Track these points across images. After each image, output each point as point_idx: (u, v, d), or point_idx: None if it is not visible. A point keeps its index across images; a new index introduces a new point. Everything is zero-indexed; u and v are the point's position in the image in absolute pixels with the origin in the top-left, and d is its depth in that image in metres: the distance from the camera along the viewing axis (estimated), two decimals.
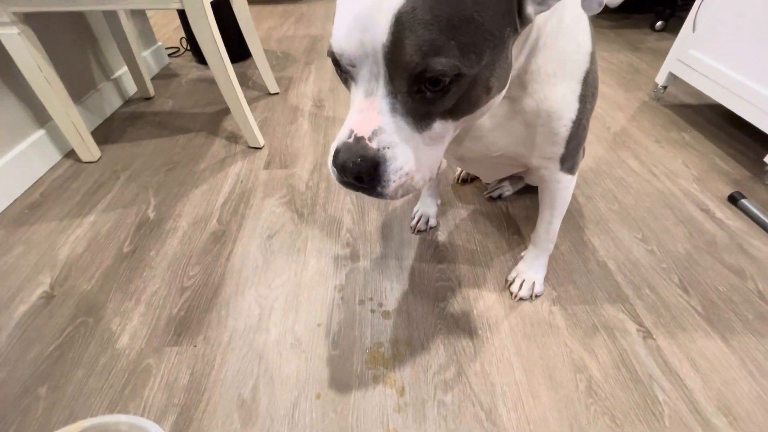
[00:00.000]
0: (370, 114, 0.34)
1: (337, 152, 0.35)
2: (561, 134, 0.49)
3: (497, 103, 0.40)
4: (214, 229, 0.86)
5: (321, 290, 0.73)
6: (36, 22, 0.89)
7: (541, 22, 0.40)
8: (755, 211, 0.87)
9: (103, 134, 1.18)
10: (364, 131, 0.34)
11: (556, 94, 0.46)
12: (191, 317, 0.68)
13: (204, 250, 0.81)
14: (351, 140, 0.34)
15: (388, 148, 0.34)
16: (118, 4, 0.84)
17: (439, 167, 0.41)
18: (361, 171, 0.34)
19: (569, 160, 0.55)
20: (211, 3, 0.92)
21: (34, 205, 0.93)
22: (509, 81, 0.40)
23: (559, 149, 0.52)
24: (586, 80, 0.47)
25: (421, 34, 0.29)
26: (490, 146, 0.52)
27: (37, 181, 1.00)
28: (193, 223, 0.87)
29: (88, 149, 1.05)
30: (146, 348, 0.64)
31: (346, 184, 0.37)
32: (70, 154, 1.09)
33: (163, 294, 0.72)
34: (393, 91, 0.33)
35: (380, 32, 0.30)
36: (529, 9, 0.34)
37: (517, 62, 0.41)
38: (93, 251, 0.81)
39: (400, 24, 0.29)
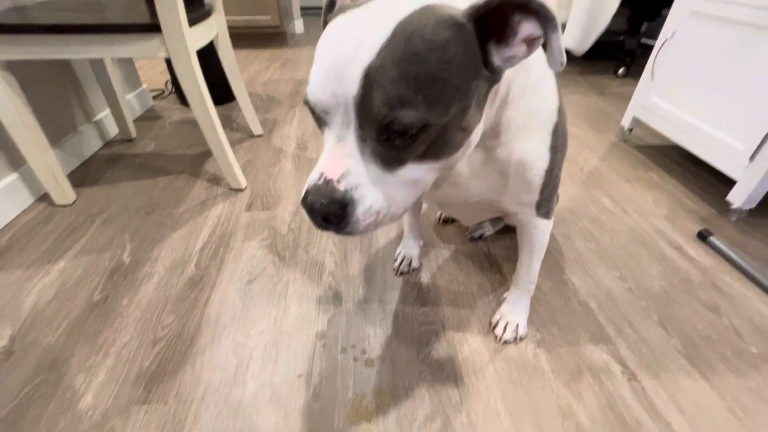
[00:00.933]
0: (340, 158, 0.35)
1: (306, 194, 0.36)
2: (535, 183, 0.51)
3: (470, 150, 0.41)
4: (192, 275, 0.83)
5: (302, 337, 0.71)
6: (18, 67, 0.89)
7: (510, 76, 0.43)
8: (723, 248, 0.91)
9: (80, 177, 1.16)
10: (333, 174, 0.35)
11: (528, 145, 0.48)
12: (163, 371, 0.65)
13: (180, 296, 0.78)
14: (320, 182, 0.35)
15: (356, 188, 0.35)
16: (104, 53, 0.86)
17: (420, 210, 0.41)
18: (329, 212, 0.35)
19: (544, 206, 0.57)
20: (198, 48, 0.94)
21: (1, 251, 0.89)
22: (482, 130, 0.41)
23: (534, 196, 0.54)
24: (555, 132, 0.49)
25: (389, 89, 0.31)
26: (467, 192, 0.53)
27: (6, 225, 0.96)
28: (170, 268, 0.85)
29: (63, 192, 1.03)
30: (112, 408, 0.60)
31: (318, 225, 0.38)
32: (44, 198, 1.06)
33: (134, 346, 0.69)
34: (363, 137, 0.34)
35: (351, 85, 0.32)
36: (497, 62, 0.36)
37: (488, 114, 0.43)
38: (60, 300, 0.77)
39: (370, 79, 0.31)
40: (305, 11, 3.79)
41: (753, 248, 0.94)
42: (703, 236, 0.96)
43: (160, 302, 0.77)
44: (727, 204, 1.02)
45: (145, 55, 0.88)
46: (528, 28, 0.34)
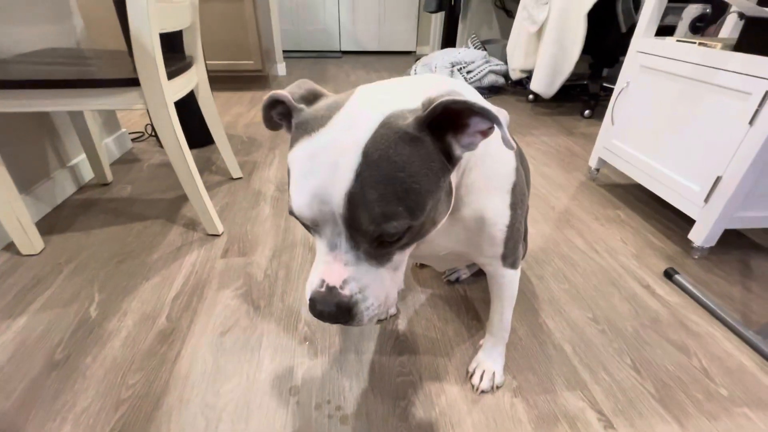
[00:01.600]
0: (337, 265, 0.38)
1: (313, 302, 0.39)
2: (498, 237, 0.54)
3: (443, 222, 0.44)
4: (162, 328, 0.81)
5: (275, 394, 0.68)
6: None
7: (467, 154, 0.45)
8: (689, 287, 0.95)
9: (50, 224, 1.14)
10: (334, 281, 0.38)
11: (489, 204, 0.51)
12: None
13: (149, 352, 0.75)
14: (323, 290, 0.38)
15: (359, 293, 0.38)
16: (83, 106, 0.86)
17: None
18: (338, 317, 0.38)
19: (510, 257, 0.59)
20: (176, 100, 0.96)
21: None
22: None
23: (499, 249, 0.56)
24: (514, 191, 0.53)
25: (373, 209, 0.34)
26: (436, 247, 0.56)
27: None
28: (139, 322, 0.82)
29: (30, 241, 1.00)
30: None
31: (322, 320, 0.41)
32: (9, 247, 1.02)
33: (95, 410, 0.65)
34: (355, 246, 0.37)
35: (337, 206, 0.35)
36: (458, 152, 0.39)
37: (455, 178, 0.46)
38: (18, 361, 0.73)
39: (354, 203, 0.34)
40: (288, 54, 3.94)
41: (716, 285, 0.98)
42: (669, 275, 0.99)
43: (127, 360, 0.74)
44: (690, 241, 1.07)
45: (124, 107, 0.89)
46: (477, 123, 0.37)
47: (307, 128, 0.38)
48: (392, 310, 0.86)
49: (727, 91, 0.95)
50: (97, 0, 2.01)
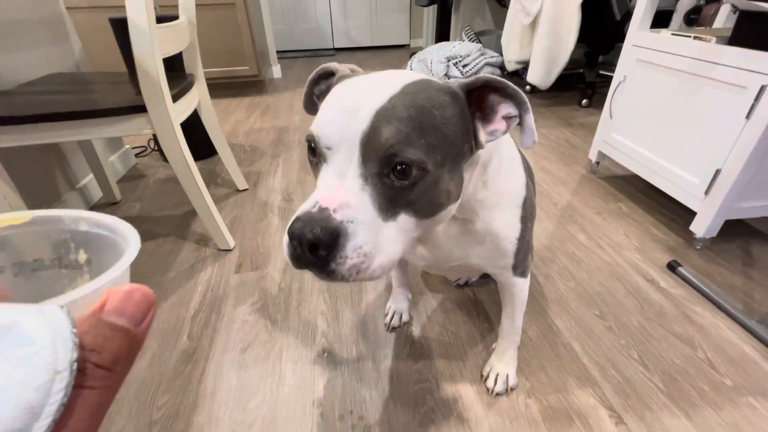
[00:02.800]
0: (338, 191, 0.36)
1: (296, 220, 0.35)
2: (509, 250, 0.56)
3: (451, 213, 0.44)
4: (185, 347, 0.84)
5: (299, 407, 0.71)
6: (4, 152, 0.91)
7: (486, 160, 0.48)
8: (692, 278, 0.97)
9: None
10: (330, 203, 0.35)
11: (501, 218, 0.54)
12: None
13: (175, 372, 0.78)
14: (314, 210, 0.35)
15: (352, 222, 0.35)
16: (91, 135, 0.88)
17: (407, 263, 0.44)
18: (320, 240, 0.33)
19: (520, 267, 0.61)
20: (182, 121, 0.98)
21: None
22: (461, 202, 0.46)
23: (509, 261, 0.58)
24: (524, 205, 0.55)
25: (397, 126, 0.35)
26: (449, 255, 0.57)
27: None
28: (162, 342, 0.85)
29: None
30: None
31: (297, 259, 0.36)
32: None
33: (130, 431, 0.68)
34: (364, 174, 0.36)
35: (361, 122, 0.35)
36: (482, 137, 0.42)
37: (467, 190, 0.48)
38: None
39: (380, 116, 0.35)
40: (281, 54, 3.92)
41: (719, 275, 1.01)
42: (672, 267, 1.02)
43: (155, 380, 0.77)
44: (691, 233, 1.09)
45: (132, 133, 0.91)
46: (505, 108, 0.41)
47: (347, 76, 0.42)
48: (405, 317, 0.88)
49: (724, 85, 0.96)
50: (93, 21, 2.01)
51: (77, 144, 1.29)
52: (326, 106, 0.39)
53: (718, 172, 0.99)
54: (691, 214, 1.09)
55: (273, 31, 3.03)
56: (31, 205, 1.11)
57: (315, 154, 0.39)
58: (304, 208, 0.35)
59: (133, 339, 0.16)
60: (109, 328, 0.16)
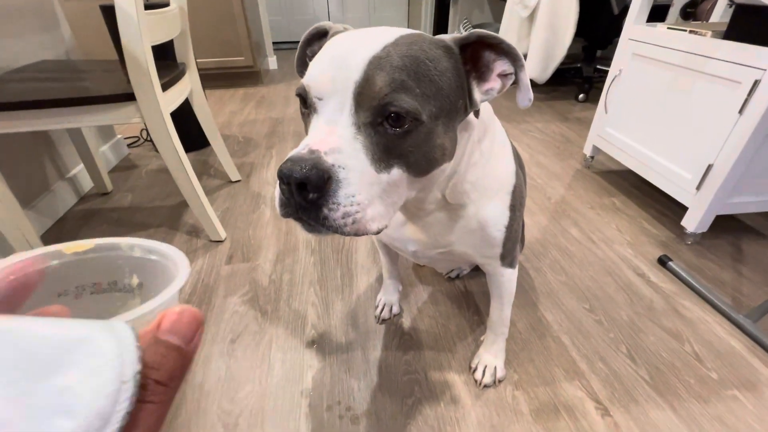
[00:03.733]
0: (329, 136, 0.35)
1: (287, 161, 0.33)
2: (497, 238, 0.56)
3: (443, 175, 0.45)
4: None
5: (287, 398, 0.71)
6: None
7: (479, 135, 0.48)
8: (682, 273, 0.97)
9: (54, 237, 1.15)
10: (320, 146, 0.34)
11: (490, 205, 0.53)
12: None
13: None
14: (304, 151, 0.34)
15: (343, 168, 0.34)
16: (80, 123, 0.87)
17: (397, 255, 0.42)
18: (308, 179, 0.32)
19: (508, 257, 0.61)
20: (172, 110, 0.97)
21: None
22: (453, 183, 0.47)
23: (497, 250, 0.58)
24: (514, 193, 0.55)
25: (392, 73, 0.34)
26: (438, 240, 0.56)
27: None
28: None
29: None
30: None
31: (285, 207, 0.35)
32: None
33: None
34: (356, 123, 0.35)
35: (354, 70, 0.34)
36: (477, 95, 0.41)
37: (461, 163, 0.47)
38: None
39: (374, 64, 0.34)
40: (278, 46, 3.88)
41: (709, 270, 1.01)
42: (663, 262, 1.02)
43: None
44: (683, 228, 1.09)
45: (120, 122, 0.90)
46: (500, 65, 0.41)
47: (341, 32, 0.42)
48: (395, 309, 0.88)
49: (717, 79, 0.96)
50: (83, 8, 1.98)
51: (67, 133, 1.28)
52: (318, 57, 0.38)
53: (710, 167, 0.99)
54: (683, 209, 1.09)
55: (269, 22, 2.99)
56: (19, 194, 1.10)
57: (306, 105, 0.38)
58: (294, 151, 0.34)
59: (185, 356, 0.17)
60: (165, 346, 0.17)
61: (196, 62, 1.28)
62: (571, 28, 1.97)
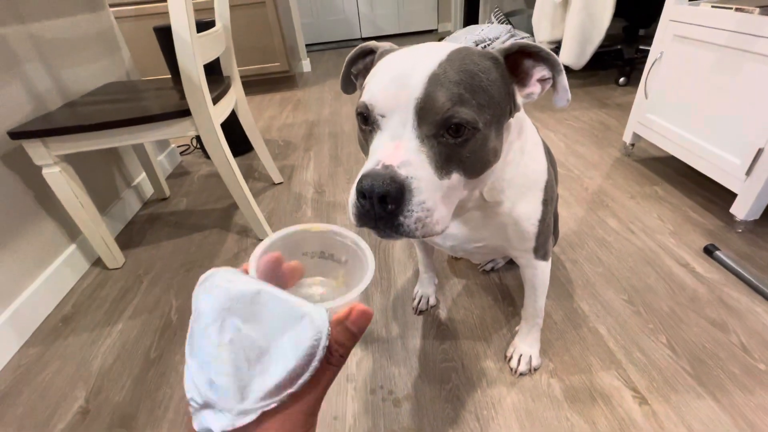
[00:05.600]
0: (397, 151, 0.38)
1: (364, 177, 0.37)
2: (530, 232, 0.59)
3: (492, 176, 0.50)
4: None
5: (335, 382, 0.78)
6: (73, 157, 1.03)
7: (513, 137, 0.51)
8: (730, 262, 0.94)
9: (126, 239, 1.30)
10: (392, 161, 0.37)
11: (524, 201, 0.57)
12: None
13: None
14: (379, 167, 0.37)
15: (414, 179, 0.37)
16: (144, 138, 0.98)
17: (432, 249, 0.47)
18: (389, 193, 0.36)
19: (541, 250, 0.64)
20: (221, 121, 1.06)
21: (67, 317, 1.01)
22: (492, 182, 0.51)
23: (531, 243, 0.61)
24: (546, 188, 0.58)
25: (452, 89, 0.38)
26: (474, 234, 0.60)
27: (68, 292, 1.09)
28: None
29: (114, 257, 1.16)
30: None
31: (363, 218, 0.39)
32: (97, 262, 1.19)
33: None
34: (420, 136, 0.38)
35: (414, 88, 0.38)
36: (519, 99, 0.46)
37: (497, 166, 0.49)
38: (123, 360, 0.88)
39: (434, 81, 0.38)
40: (310, 47, 3.99)
41: (761, 259, 0.97)
42: (709, 251, 0.99)
43: None
44: (732, 215, 1.05)
45: (179, 135, 1.00)
46: (539, 71, 0.45)
47: (391, 50, 0.46)
48: (432, 300, 0.93)
49: (767, 59, 0.91)
50: (137, 29, 2.16)
51: (131, 146, 1.42)
52: (375, 76, 0.42)
53: (760, 151, 0.94)
54: (732, 196, 1.04)
55: (301, 26, 3.09)
56: (97, 202, 1.25)
57: (368, 122, 0.42)
58: (367, 167, 0.38)
59: (356, 339, 0.25)
60: (350, 332, 0.24)
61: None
62: (610, 9, 1.89)
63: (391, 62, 0.42)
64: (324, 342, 0.22)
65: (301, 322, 0.22)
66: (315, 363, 0.22)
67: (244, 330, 0.22)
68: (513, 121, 0.49)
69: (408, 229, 0.38)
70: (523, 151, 0.53)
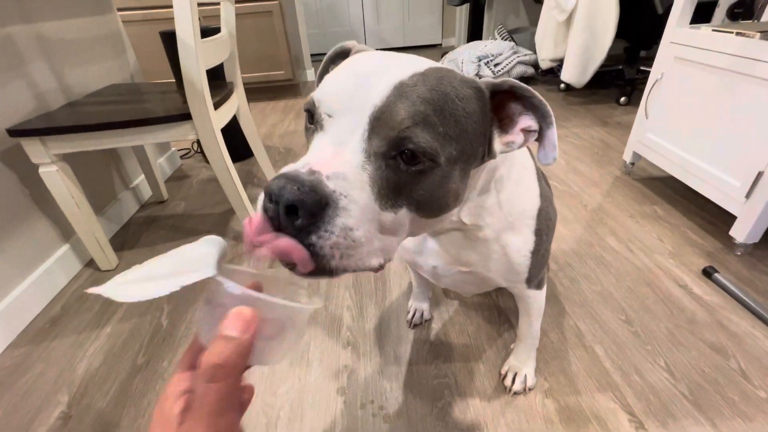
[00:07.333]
0: (334, 158, 0.31)
1: (278, 176, 0.29)
2: (522, 264, 0.53)
3: (451, 218, 0.43)
4: None
5: (324, 395, 0.77)
6: (71, 156, 1.02)
7: (492, 166, 0.45)
8: (729, 285, 0.93)
9: (121, 241, 1.29)
10: (323, 168, 0.30)
11: (512, 231, 0.51)
12: None
13: None
14: (304, 170, 0.29)
15: (345, 197, 0.29)
16: (144, 140, 0.98)
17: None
18: (303, 202, 0.27)
19: (534, 280, 0.59)
20: (222, 126, 1.06)
21: (55, 318, 0.99)
22: (466, 206, 0.45)
23: (523, 276, 0.56)
24: (539, 216, 0.52)
25: (417, 105, 0.31)
26: (461, 254, 0.53)
27: (58, 293, 1.07)
28: None
29: (107, 258, 1.14)
30: None
31: (262, 230, 0.30)
32: (90, 263, 1.18)
33: None
34: (368, 150, 0.31)
35: (376, 93, 0.31)
36: (496, 146, 0.39)
37: (472, 194, 0.45)
38: (109, 365, 0.86)
39: (400, 91, 0.31)
40: (315, 58, 4.03)
41: (761, 283, 0.96)
42: (708, 273, 0.98)
43: None
44: (732, 238, 1.04)
45: (179, 138, 1.00)
46: (526, 120, 0.38)
47: (370, 50, 0.39)
48: (427, 315, 0.91)
49: (767, 82, 0.91)
50: (144, 33, 2.18)
51: (131, 148, 1.42)
52: (337, 71, 0.35)
53: (760, 174, 0.94)
54: (732, 218, 1.04)
55: (307, 36, 3.13)
56: (93, 203, 1.24)
57: (313, 121, 0.35)
58: (290, 166, 0.30)
59: (239, 344, 0.26)
60: (224, 338, 0.27)
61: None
62: (611, 30, 1.91)
63: (359, 59, 0.35)
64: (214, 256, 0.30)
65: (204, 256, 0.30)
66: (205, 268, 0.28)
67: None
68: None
69: (320, 251, 0.29)
70: (509, 177, 0.47)
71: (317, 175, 0.29)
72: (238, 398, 0.28)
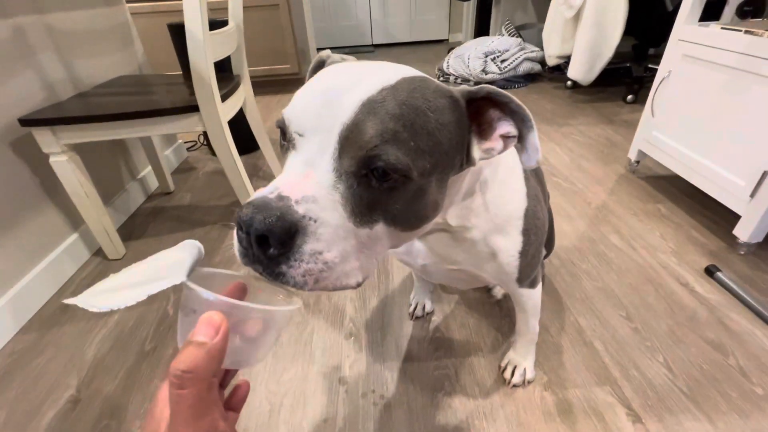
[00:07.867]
0: (305, 181, 0.30)
1: (247, 205, 0.29)
2: (511, 264, 0.53)
3: (431, 225, 0.41)
4: None
5: (327, 384, 0.78)
6: (80, 146, 1.04)
7: (476, 169, 0.44)
8: (731, 284, 0.93)
9: (128, 231, 1.30)
10: (292, 192, 0.30)
11: (499, 233, 0.50)
12: None
13: None
14: (272, 196, 0.29)
15: (315, 221, 0.29)
16: (152, 132, 0.99)
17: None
18: (272, 233, 0.28)
19: (526, 280, 0.58)
20: (229, 119, 1.08)
21: (65, 305, 1.01)
22: (449, 209, 0.44)
23: (513, 276, 0.55)
24: (526, 216, 0.52)
25: (386, 122, 0.30)
26: (448, 253, 0.53)
27: (67, 281, 1.10)
28: None
29: (115, 247, 1.16)
30: None
31: (243, 253, 0.31)
32: (98, 252, 1.20)
33: None
34: (338, 170, 0.31)
35: (344, 111, 0.31)
36: (475, 153, 0.38)
37: (454, 198, 0.44)
38: (117, 350, 0.88)
39: (368, 108, 0.30)
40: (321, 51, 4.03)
41: (763, 282, 0.96)
42: (710, 272, 0.98)
43: None
44: (735, 237, 1.04)
45: (186, 130, 1.01)
46: (504, 126, 0.37)
47: (341, 63, 0.38)
48: (428, 307, 0.93)
49: None
50: (152, 25, 2.19)
51: (139, 139, 1.44)
52: (305, 88, 0.34)
53: (765, 174, 0.94)
54: (736, 217, 1.04)
55: (314, 30, 3.13)
56: (101, 193, 1.26)
57: (285, 138, 0.35)
58: (260, 192, 0.30)
59: (209, 350, 0.27)
60: (194, 344, 0.27)
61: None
62: (620, 27, 1.90)
63: (328, 74, 0.34)
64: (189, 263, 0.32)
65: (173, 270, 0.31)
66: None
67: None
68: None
69: (292, 281, 0.30)
70: (494, 179, 0.47)
71: (285, 201, 0.29)
72: (215, 401, 0.28)
